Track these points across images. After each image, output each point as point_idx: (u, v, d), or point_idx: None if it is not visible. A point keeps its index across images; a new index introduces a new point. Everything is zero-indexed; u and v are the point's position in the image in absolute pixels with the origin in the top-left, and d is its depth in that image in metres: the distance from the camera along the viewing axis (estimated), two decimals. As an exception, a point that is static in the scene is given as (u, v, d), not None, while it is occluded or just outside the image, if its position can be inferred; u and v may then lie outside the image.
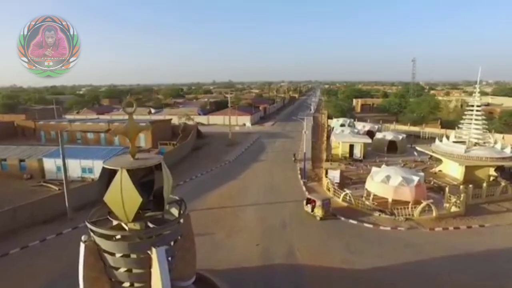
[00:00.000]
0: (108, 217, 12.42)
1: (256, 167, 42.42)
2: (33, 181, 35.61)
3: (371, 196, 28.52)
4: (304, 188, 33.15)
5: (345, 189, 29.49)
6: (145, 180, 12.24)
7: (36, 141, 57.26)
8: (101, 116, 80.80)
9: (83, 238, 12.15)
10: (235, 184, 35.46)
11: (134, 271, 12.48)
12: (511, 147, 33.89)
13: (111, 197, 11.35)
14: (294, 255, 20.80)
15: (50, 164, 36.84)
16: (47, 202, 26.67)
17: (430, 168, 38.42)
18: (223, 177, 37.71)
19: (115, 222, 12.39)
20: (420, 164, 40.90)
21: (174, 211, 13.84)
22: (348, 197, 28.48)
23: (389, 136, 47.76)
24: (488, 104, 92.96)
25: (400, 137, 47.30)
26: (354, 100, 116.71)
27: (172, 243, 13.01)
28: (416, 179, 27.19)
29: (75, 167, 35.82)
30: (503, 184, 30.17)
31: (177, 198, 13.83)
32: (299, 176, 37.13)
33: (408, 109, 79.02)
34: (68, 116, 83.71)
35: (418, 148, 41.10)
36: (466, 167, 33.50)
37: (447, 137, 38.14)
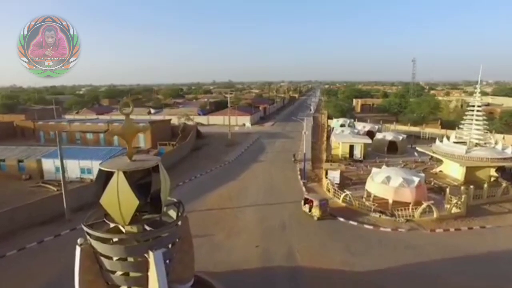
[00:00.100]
0: (105, 219, 12.28)
1: (256, 167, 42.28)
2: (31, 182, 35.48)
3: (372, 197, 28.37)
4: (304, 189, 33.01)
5: (345, 190, 29.35)
6: (142, 182, 12.06)
7: (35, 141, 57.15)
8: (101, 116, 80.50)
9: (79, 241, 12.01)
10: (235, 184, 35.31)
11: (131, 274, 12.36)
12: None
13: (107, 200, 11.21)
14: (294, 256, 20.66)
15: (49, 165, 36.75)
16: (45, 203, 26.53)
17: (431, 169, 38.31)
18: (222, 177, 37.58)
19: (111, 225, 12.24)
20: (421, 164, 40.79)
21: (172, 213, 13.68)
22: (348, 198, 28.34)
23: (389, 136, 47.66)
24: (488, 104, 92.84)
25: (400, 138, 47.18)
26: (354, 100, 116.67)
27: (170, 245, 12.89)
28: (416, 180, 27.02)
29: (74, 168, 35.73)
30: (504, 185, 30.01)
31: (175, 200, 13.68)
32: (299, 177, 37.00)
33: (408, 109, 78.89)
34: (68, 116, 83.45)
35: (419, 149, 41.00)
36: (467, 167, 33.36)
37: (448, 138, 38.01)
